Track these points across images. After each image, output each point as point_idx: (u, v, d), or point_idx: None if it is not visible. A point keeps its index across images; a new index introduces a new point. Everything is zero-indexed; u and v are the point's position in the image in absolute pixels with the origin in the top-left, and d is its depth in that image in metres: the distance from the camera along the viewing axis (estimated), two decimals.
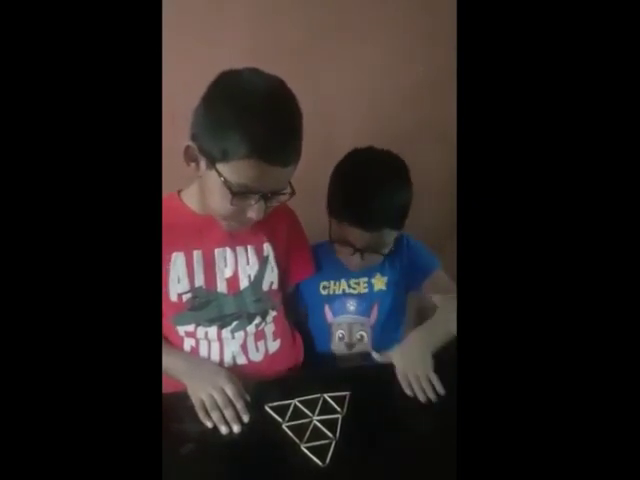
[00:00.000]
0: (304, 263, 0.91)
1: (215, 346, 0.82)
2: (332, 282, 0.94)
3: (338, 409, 0.69)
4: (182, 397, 0.70)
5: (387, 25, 1.00)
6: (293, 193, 0.68)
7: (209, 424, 0.66)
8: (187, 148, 0.66)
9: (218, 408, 0.67)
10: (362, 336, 0.93)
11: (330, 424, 0.66)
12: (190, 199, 0.76)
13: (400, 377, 0.75)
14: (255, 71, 0.64)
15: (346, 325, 0.93)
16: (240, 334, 0.82)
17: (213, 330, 0.80)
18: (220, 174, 0.63)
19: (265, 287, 0.82)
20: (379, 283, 0.94)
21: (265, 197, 0.66)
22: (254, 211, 0.67)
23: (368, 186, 0.78)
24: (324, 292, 0.94)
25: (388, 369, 0.78)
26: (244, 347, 0.83)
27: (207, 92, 0.64)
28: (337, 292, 0.94)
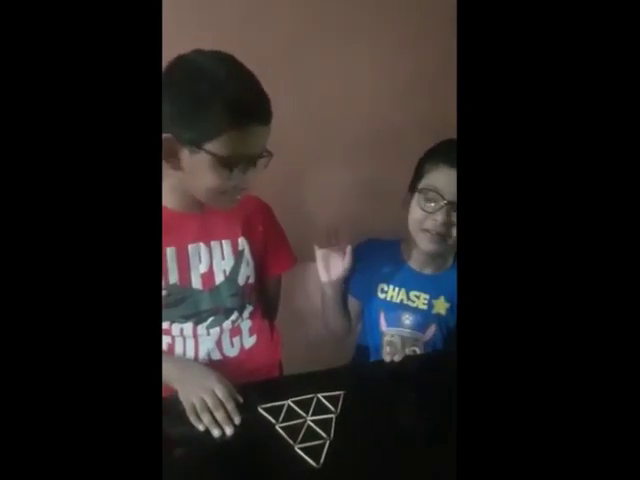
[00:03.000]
0: (283, 256, 0.91)
1: (190, 343, 0.82)
2: (391, 287, 0.93)
3: (332, 409, 0.68)
4: (172, 401, 0.68)
5: (381, 20, 0.99)
6: (271, 154, 0.70)
7: (201, 427, 0.65)
8: (168, 141, 0.63)
9: (209, 410, 0.66)
10: (414, 352, 0.89)
11: (324, 424, 0.65)
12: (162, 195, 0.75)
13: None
14: (199, 52, 0.65)
15: (399, 337, 0.90)
16: (216, 330, 0.82)
17: (188, 326, 0.80)
18: (211, 153, 0.64)
19: (241, 282, 0.82)
20: (440, 306, 0.91)
21: (254, 162, 0.67)
22: (247, 180, 0.69)
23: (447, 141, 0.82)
24: (381, 296, 0.94)
25: (382, 367, 0.78)
26: (219, 343, 0.83)
27: (169, 79, 0.63)
28: (395, 300, 0.93)
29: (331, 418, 0.66)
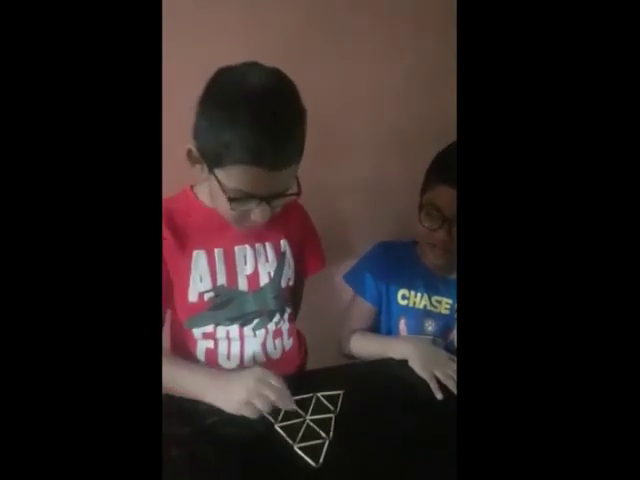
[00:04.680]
0: (317, 257, 0.91)
1: (236, 345, 0.80)
2: (413, 293, 0.91)
3: (331, 408, 0.68)
4: (168, 400, 0.68)
5: (380, 18, 0.98)
6: (299, 193, 0.66)
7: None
8: (189, 151, 0.65)
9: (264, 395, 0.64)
10: None
11: (323, 424, 0.65)
12: (204, 195, 0.74)
13: (425, 374, 0.75)
14: (253, 66, 0.61)
15: None
16: (261, 332, 0.81)
17: (234, 329, 0.79)
18: (217, 179, 0.62)
19: (283, 284, 0.81)
20: None
21: (267, 200, 0.64)
22: (257, 215, 0.65)
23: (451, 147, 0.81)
24: (403, 302, 0.92)
25: (381, 367, 0.78)
26: (264, 345, 0.82)
27: (204, 91, 0.62)
28: (418, 306, 0.91)
29: (330, 418, 0.66)
